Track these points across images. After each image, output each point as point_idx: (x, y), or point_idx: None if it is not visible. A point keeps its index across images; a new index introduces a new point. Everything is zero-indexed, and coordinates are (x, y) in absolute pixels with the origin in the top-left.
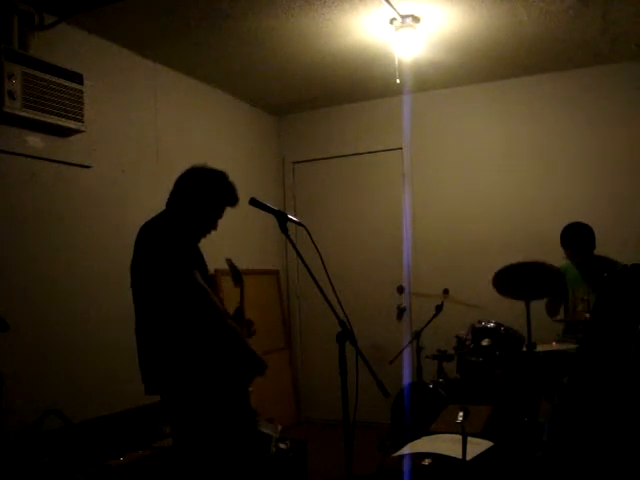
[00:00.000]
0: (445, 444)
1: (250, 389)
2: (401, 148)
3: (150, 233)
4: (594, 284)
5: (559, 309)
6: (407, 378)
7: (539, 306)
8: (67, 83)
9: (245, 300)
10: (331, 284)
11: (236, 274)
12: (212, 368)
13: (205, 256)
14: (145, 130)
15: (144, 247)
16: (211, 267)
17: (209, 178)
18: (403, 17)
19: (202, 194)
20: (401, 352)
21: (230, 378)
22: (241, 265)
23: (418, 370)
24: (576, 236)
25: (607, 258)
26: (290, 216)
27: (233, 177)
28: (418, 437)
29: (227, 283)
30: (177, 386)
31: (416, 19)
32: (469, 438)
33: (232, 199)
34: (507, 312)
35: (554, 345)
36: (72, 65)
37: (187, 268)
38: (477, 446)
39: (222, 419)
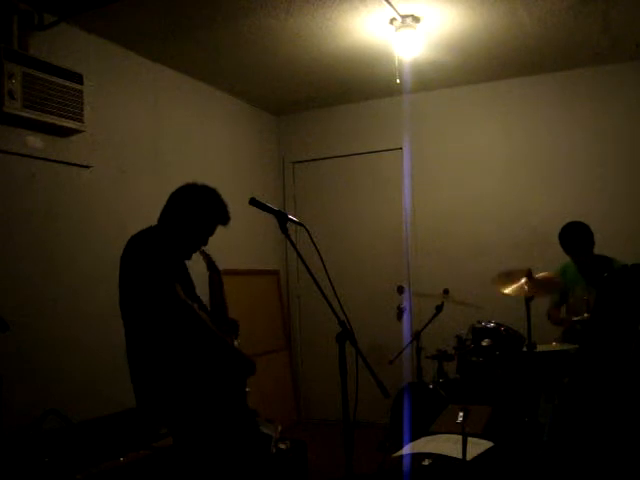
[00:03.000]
0: (445, 444)
1: (248, 389)
2: (401, 148)
3: (133, 248)
4: (594, 283)
5: (560, 316)
6: (407, 378)
7: (539, 306)
8: (67, 83)
9: (225, 292)
10: (331, 284)
11: (211, 265)
12: (204, 376)
13: None
14: (145, 130)
15: (127, 263)
16: None
17: (201, 196)
18: (403, 17)
19: (194, 212)
20: (401, 352)
21: (222, 383)
22: (241, 265)
23: (418, 370)
24: (573, 236)
25: (606, 257)
26: (290, 216)
27: (233, 177)
28: (418, 437)
29: (227, 285)
30: (172, 399)
31: (416, 19)
32: (469, 438)
33: (224, 218)
34: (507, 312)
35: (554, 345)
36: (72, 65)
37: (168, 283)
38: (477, 446)
39: (219, 423)
